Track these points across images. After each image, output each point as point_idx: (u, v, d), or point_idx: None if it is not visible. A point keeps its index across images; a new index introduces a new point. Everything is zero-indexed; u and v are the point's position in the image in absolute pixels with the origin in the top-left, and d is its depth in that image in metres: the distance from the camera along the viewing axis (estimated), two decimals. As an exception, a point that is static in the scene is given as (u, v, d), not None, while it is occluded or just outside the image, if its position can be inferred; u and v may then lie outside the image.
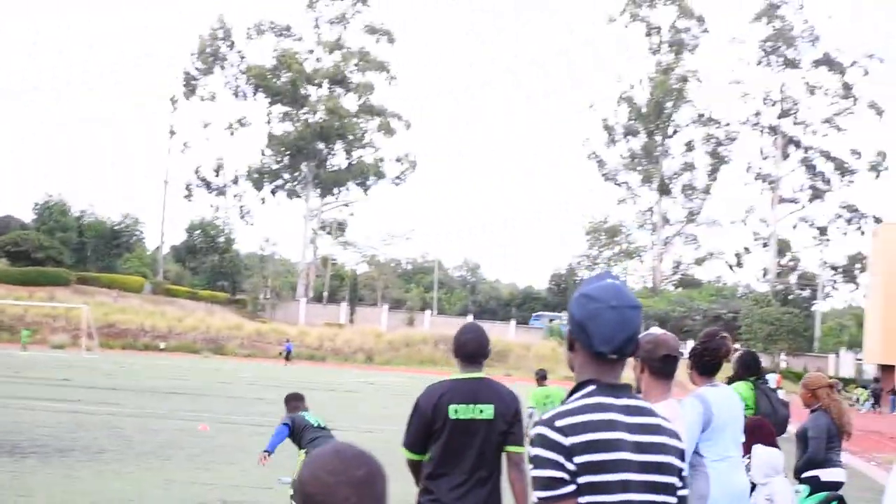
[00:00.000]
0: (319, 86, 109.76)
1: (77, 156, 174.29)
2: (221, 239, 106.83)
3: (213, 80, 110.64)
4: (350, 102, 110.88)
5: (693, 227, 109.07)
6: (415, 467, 5.46)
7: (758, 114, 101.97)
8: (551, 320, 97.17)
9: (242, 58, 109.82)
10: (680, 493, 2.89)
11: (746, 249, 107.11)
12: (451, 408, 5.35)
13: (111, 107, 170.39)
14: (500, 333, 80.00)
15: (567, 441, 2.73)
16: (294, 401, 10.42)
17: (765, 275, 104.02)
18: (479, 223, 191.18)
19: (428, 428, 5.38)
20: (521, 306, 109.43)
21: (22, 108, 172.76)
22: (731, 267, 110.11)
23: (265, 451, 10.04)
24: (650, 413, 2.91)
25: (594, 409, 2.80)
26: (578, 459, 2.72)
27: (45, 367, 42.00)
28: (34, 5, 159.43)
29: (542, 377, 17.48)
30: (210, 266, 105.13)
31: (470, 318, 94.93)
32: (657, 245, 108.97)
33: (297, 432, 9.95)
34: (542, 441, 2.75)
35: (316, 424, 9.97)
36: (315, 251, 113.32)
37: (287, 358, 67.14)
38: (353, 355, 78.57)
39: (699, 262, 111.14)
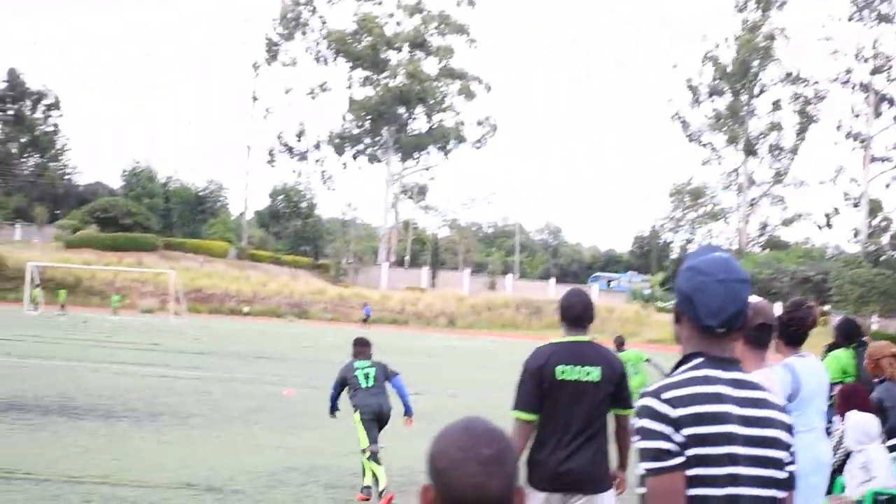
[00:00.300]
0: (399, 50, 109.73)
1: (163, 122, 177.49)
2: (304, 204, 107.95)
3: (294, 46, 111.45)
4: (430, 66, 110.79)
5: (780, 188, 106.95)
6: (525, 431, 5.43)
7: (849, 71, 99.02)
8: (609, 282, 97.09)
9: (324, 23, 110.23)
10: (788, 468, 2.85)
11: (836, 210, 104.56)
12: (558, 369, 5.41)
13: (196, 74, 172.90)
14: (573, 287, 79.51)
15: (675, 413, 2.72)
16: (359, 346, 10.64)
17: (855, 235, 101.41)
18: (560, 186, 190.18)
19: (538, 387, 5.40)
20: (604, 269, 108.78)
21: (107, 77, 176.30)
22: (819, 228, 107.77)
23: (330, 413, 10.80)
24: (757, 387, 2.88)
25: (701, 381, 2.80)
26: (686, 431, 2.71)
27: (134, 332, 42.94)
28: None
29: (620, 344, 17.44)
30: (293, 231, 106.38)
31: (552, 282, 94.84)
32: (743, 206, 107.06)
33: (350, 391, 10.34)
34: (649, 412, 2.75)
35: (365, 385, 10.26)
36: (396, 215, 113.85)
37: (366, 321, 67.78)
38: (434, 319, 78.93)
39: (787, 223, 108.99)
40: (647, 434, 2.74)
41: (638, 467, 2.78)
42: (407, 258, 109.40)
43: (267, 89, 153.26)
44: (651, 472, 2.70)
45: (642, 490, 2.76)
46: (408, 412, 10.64)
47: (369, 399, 10.19)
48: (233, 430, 14.67)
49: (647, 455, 2.72)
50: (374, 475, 10.12)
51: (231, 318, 70.41)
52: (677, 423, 2.71)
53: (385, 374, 10.46)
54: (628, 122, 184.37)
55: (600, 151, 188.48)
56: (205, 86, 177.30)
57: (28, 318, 50.72)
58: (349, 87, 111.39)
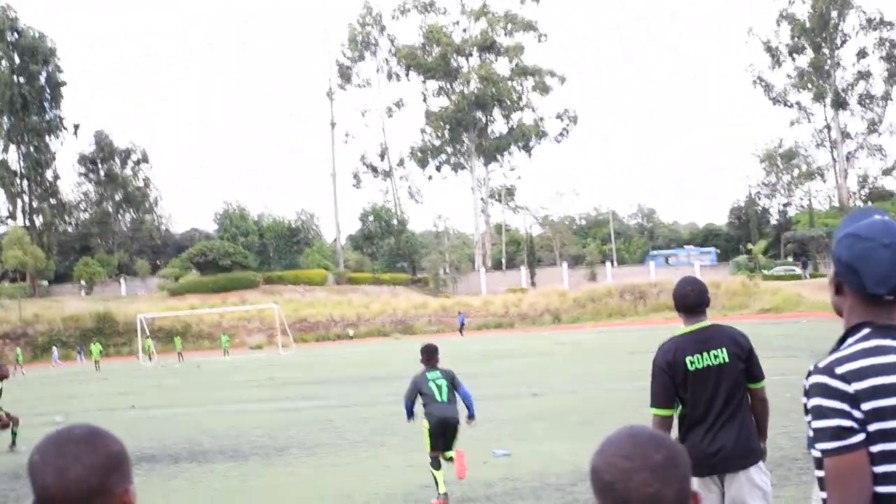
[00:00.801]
0: (470, 55, 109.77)
1: (248, 162, 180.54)
2: (395, 221, 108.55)
3: (365, 67, 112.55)
4: (502, 67, 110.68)
5: (876, 138, 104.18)
6: (665, 425, 5.53)
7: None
8: (667, 258, 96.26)
9: (392, 40, 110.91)
10: None
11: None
12: (688, 360, 5.54)
13: (273, 107, 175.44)
14: (685, 275, 78.39)
15: (851, 388, 2.56)
16: (427, 354, 11.03)
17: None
18: (648, 167, 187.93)
19: (671, 383, 5.56)
20: (703, 244, 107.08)
21: (187, 124, 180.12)
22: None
23: (408, 418, 11.20)
24: None
25: (874, 352, 2.62)
26: (866, 406, 2.54)
27: (248, 369, 43.54)
28: None
29: None
30: (388, 249, 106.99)
31: (651, 265, 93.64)
32: (839, 162, 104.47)
33: (424, 399, 10.75)
34: (822, 390, 2.59)
35: (439, 398, 10.65)
36: (487, 220, 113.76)
37: (462, 329, 67.83)
38: (539, 318, 78.54)
39: (887, 172, 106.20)
40: (822, 413, 2.56)
41: (813, 450, 2.60)
42: (503, 260, 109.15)
43: (344, 114, 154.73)
44: (831, 452, 2.53)
45: (820, 473, 2.59)
46: (471, 416, 11.15)
47: (441, 412, 10.64)
48: (361, 455, 14.63)
49: (824, 435, 2.55)
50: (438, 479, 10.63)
51: (338, 344, 71.07)
52: (855, 399, 2.54)
53: (454, 385, 10.85)
54: (709, 92, 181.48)
55: (684, 126, 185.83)
56: (284, 119, 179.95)
57: (144, 370, 51.91)
58: (424, 101, 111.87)
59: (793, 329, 43.18)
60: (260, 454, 15.46)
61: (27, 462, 1.95)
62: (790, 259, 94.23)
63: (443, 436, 10.71)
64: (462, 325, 69.51)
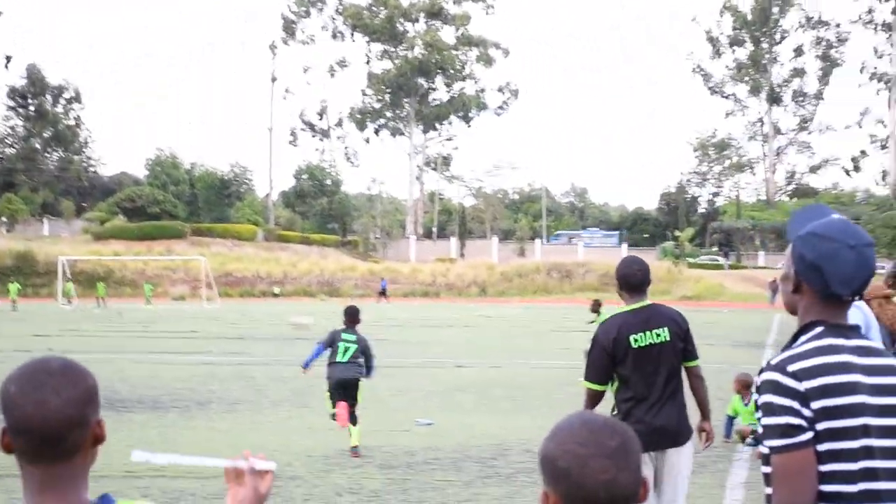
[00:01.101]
0: (416, 20, 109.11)
1: (184, 109, 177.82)
2: (329, 182, 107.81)
3: (310, 24, 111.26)
4: (448, 35, 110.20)
5: (806, 135, 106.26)
6: (596, 399, 5.79)
7: (870, 11, 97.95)
8: (571, 238, 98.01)
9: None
10: None
11: (863, 153, 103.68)
12: (631, 338, 5.72)
13: (215, 58, 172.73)
14: (612, 257, 79.12)
15: (801, 386, 2.57)
16: (348, 315, 11.79)
17: (884, 178, 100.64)
18: (584, 147, 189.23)
19: (610, 360, 5.73)
20: (632, 228, 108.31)
21: (125, 67, 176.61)
22: (847, 172, 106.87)
23: (302, 367, 12.14)
24: (882, 353, 2.74)
25: (826, 351, 2.65)
26: (815, 405, 2.56)
27: (170, 320, 43.05)
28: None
29: (597, 306, 18.04)
30: (320, 209, 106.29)
31: (580, 244, 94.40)
32: (769, 156, 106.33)
33: (329, 356, 11.49)
34: (773, 387, 2.60)
35: (341, 358, 11.31)
36: (422, 187, 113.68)
37: (383, 295, 67.53)
38: (466, 289, 78.76)
39: (814, 169, 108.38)
40: (772, 410, 2.58)
41: (761, 446, 2.63)
42: (434, 230, 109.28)
43: (286, 69, 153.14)
44: (779, 450, 2.56)
45: (767, 469, 2.62)
46: (367, 374, 11.79)
47: (339, 373, 11.31)
48: (282, 415, 14.59)
49: (773, 432, 2.58)
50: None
51: (263, 301, 70.59)
52: (805, 397, 2.56)
53: (363, 353, 11.51)
54: (649, 77, 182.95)
55: (623, 109, 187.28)
56: (224, 70, 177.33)
57: (63, 313, 51.04)
58: (368, 63, 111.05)
59: (713, 318, 43.93)
60: (180, 407, 15.33)
61: (0, 393, 1.94)
62: (715, 249, 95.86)
63: (342, 392, 11.30)
64: (384, 290, 69.37)
